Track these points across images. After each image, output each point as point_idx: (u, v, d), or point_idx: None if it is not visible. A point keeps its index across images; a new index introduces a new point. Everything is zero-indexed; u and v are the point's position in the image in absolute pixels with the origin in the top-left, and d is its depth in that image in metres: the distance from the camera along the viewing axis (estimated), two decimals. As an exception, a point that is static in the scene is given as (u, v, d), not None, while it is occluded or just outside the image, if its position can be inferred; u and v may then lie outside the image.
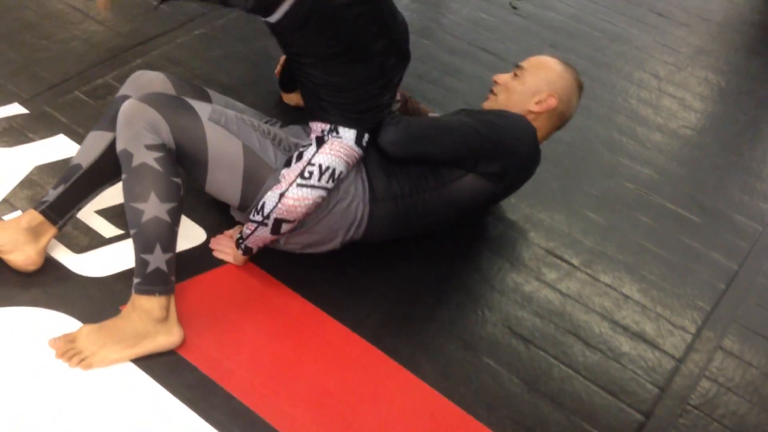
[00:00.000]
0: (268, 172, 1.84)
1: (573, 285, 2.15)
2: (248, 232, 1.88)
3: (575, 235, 2.31)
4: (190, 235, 2.04)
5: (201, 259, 1.99)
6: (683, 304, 2.16)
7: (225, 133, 1.81)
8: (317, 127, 1.90)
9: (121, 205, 2.10)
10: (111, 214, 2.08)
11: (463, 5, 3.31)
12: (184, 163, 1.82)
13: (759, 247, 2.41)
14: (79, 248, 1.98)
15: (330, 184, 1.83)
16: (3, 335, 1.76)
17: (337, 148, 1.83)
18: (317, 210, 1.87)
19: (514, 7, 3.35)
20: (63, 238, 1.97)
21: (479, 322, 1.98)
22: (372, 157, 1.94)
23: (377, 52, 1.82)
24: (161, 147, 1.74)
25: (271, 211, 1.82)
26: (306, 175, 1.80)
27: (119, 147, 1.75)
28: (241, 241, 1.92)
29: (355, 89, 1.85)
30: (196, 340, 1.80)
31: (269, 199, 1.82)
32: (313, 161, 1.82)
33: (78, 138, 2.28)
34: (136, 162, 1.72)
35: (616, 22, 3.37)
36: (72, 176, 1.87)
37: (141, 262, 1.72)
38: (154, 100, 1.77)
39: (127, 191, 1.75)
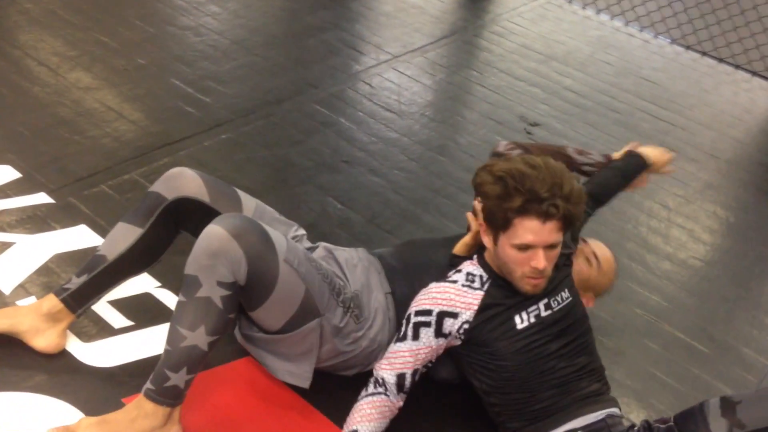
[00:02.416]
0: (315, 316, 1.82)
1: (580, 408, 2.11)
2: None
3: (583, 358, 2.29)
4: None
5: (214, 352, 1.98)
6: (692, 436, 2.10)
7: (295, 275, 1.76)
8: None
9: (133, 297, 2.13)
10: (122, 305, 2.10)
11: (479, 127, 3.44)
12: (244, 292, 1.75)
13: (769, 382, 2.38)
14: (87, 337, 1.99)
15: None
16: (3, 421, 1.74)
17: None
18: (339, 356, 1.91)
19: (529, 133, 3.47)
20: (73, 326, 1.98)
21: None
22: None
23: None
24: (231, 285, 1.68)
25: None
26: None
27: (190, 270, 1.69)
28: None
29: None
30: (196, 438, 1.77)
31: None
32: None
33: (99, 229, 2.34)
34: (201, 293, 1.67)
35: (627, 153, 3.48)
36: (96, 267, 1.89)
37: (162, 374, 1.69)
38: (242, 235, 1.69)
39: (178, 313, 1.70)
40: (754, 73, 4.48)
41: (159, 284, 2.18)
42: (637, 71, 4.26)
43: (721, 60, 4.56)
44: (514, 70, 3.98)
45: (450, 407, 2.04)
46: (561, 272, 1.88)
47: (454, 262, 1.94)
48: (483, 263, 1.88)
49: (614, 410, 1.82)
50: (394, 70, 3.73)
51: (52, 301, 1.89)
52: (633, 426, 1.77)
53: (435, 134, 3.33)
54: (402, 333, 1.83)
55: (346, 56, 3.76)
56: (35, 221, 2.34)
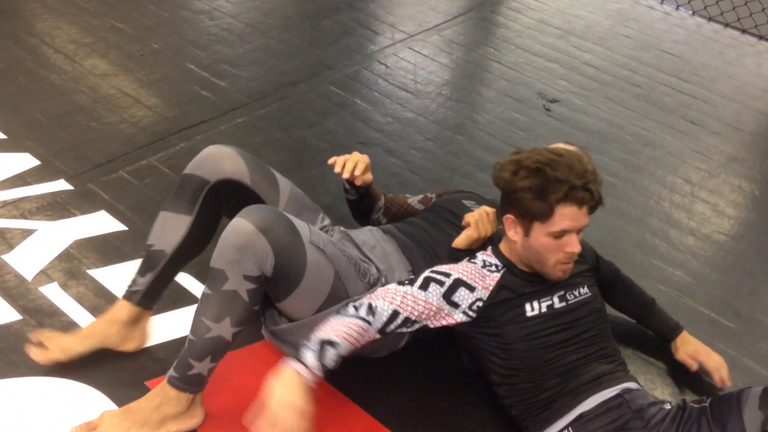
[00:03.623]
0: (343, 299, 1.80)
1: (603, 386, 2.09)
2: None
3: (606, 335, 2.27)
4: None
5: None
6: (718, 411, 2.08)
7: (323, 258, 1.75)
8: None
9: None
10: (144, 289, 2.11)
11: (497, 105, 3.40)
12: (271, 284, 1.73)
13: (796, 357, 2.34)
14: (109, 322, 2.00)
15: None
16: (27, 405, 1.76)
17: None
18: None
19: (548, 109, 3.43)
20: (95, 311, 2.00)
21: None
22: None
23: None
24: (258, 279, 1.67)
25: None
26: None
27: (216, 264, 1.67)
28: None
29: None
30: (217, 417, 1.79)
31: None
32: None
33: (119, 215, 2.35)
34: (227, 287, 1.66)
35: (648, 128, 3.42)
36: (158, 263, 1.88)
37: (186, 363, 1.70)
38: (269, 228, 1.66)
39: (203, 305, 1.69)
40: (778, 43, 4.38)
41: (179, 268, 2.19)
42: (657, 44, 4.19)
43: (744, 31, 4.46)
44: (531, 46, 3.93)
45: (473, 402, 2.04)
46: (582, 274, 1.92)
47: (457, 256, 1.94)
48: (497, 253, 1.89)
49: (630, 384, 1.80)
50: (410, 50, 3.69)
51: (127, 308, 1.90)
52: (664, 402, 1.74)
53: (452, 113, 3.30)
54: (410, 279, 1.79)
55: (361, 36, 3.73)
56: (55, 208, 2.35)
